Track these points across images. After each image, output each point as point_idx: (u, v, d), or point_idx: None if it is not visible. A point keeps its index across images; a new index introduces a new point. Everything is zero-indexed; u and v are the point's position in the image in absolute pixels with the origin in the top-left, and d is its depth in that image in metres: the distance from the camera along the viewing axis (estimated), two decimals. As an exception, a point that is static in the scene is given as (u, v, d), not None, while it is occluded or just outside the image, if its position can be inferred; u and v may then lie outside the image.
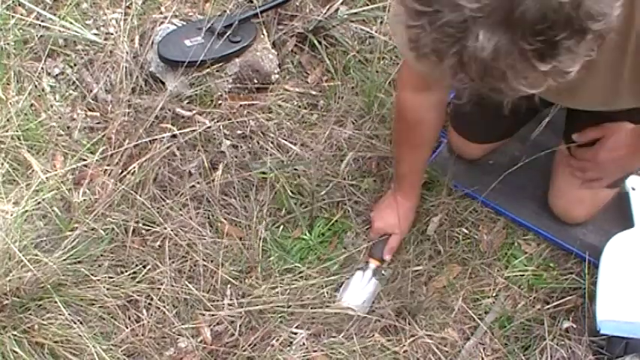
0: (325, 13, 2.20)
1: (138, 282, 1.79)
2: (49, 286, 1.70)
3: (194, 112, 2.06)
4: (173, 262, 1.83)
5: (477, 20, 0.85)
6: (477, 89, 0.94)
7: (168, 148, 1.97)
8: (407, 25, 0.92)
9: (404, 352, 1.76)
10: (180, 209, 1.91)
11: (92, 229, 1.83)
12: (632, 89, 1.20)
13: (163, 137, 1.98)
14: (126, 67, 2.07)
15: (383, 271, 1.87)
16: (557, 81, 0.93)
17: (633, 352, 1.73)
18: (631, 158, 1.65)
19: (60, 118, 2.05)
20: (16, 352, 1.64)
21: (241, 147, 2.03)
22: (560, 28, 0.86)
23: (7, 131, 1.95)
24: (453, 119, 1.98)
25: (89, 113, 2.08)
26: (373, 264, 1.86)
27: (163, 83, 2.11)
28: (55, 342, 1.67)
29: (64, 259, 1.76)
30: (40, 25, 2.16)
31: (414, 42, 0.92)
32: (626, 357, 1.73)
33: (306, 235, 1.91)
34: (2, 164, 1.91)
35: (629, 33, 1.10)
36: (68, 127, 2.04)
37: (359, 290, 1.82)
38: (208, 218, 1.93)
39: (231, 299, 1.79)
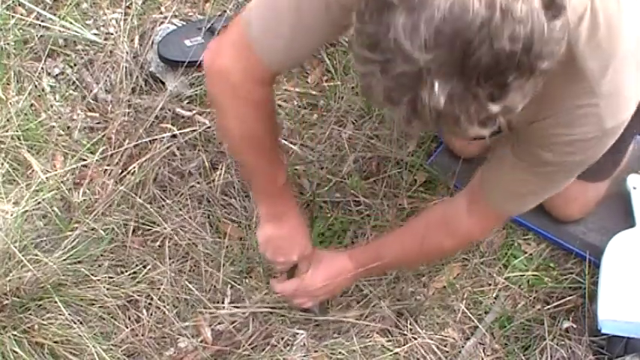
0: (325, 13, 2.20)
1: (138, 282, 1.79)
2: (49, 286, 1.70)
3: (194, 112, 2.06)
4: (173, 262, 1.83)
5: (431, 71, 0.85)
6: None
7: (168, 148, 1.97)
8: (357, 71, 0.93)
9: (404, 352, 1.76)
10: (180, 209, 1.91)
11: (92, 229, 1.83)
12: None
13: (163, 137, 1.98)
14: (126, 67, 2.07)
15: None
16: (505, 118, 0.93)
17: (633, 352, 1.73)
18: (340, 287, 1.72)
19: (60, 118, 2.05)
20: (16, 352, 1.64)
21: (241, 147, 2.02)
22: (512, 71, 0.87)
23: (7, 131, 1.95)
24: None
25: (89, 113, 2.08)
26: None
27: (163, 83, 2.11)
28: (55, 342, 1.67)
29: (64, 259, 1.76)
30: (40, 25, 2.16)
31: (366, 88, 0.93)
32: (627, 357, 1.73)
33: (306, 235, 1.91)
34: (2, 164, 1.91)
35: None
36: (68, 127, 2.04)
37: None
38: (208, 218, 1.93)
39: (231, 299, 1.79)
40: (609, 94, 1.15)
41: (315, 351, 1.73)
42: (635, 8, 1.15)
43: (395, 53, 0.86)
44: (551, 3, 0.87)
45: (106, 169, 1.94)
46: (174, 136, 2.00)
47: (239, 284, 1.82)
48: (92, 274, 1.76)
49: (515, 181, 1.36)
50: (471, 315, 1.81)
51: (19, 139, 1.95)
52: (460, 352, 1.77)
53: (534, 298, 1.85)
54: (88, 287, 1.76)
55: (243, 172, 1.77)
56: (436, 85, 0.86)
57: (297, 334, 1.76)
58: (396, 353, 1.76)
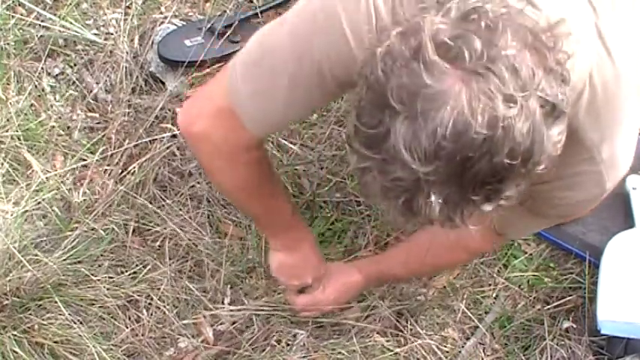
0: (325, 13, 2.20)
1: (138, 282, 1.79)
2: (49, 286, 1.70)
3: (194, 112, 2.06)
4: (173, 262, 1.83)
5: (428, 181, 0.86)
6: None
7: (168, 148, 1.96)
8: (354, 167, 0.93)
9: (404, 352, 1.76)
10: (180, 209, 1.91)
11: (92, 229, 1.83)
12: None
13: (163, 137, 1.98)
14: (126, 67, 2.07)
15: None
16: (500, 212, 0.95)
17: (633, 353, 1.73)
18: (347, 299, 1.75)
19: (60, 118, 2.05)
20: (16, 352, 1.64)
21: (241, 147, 2.02)
22: (509, 180, 0.88)
23: (7, 131, 1.95)
24: None
25: (89, 113, 2.08)
26: None
27: (163, 83, 2.11)
28: (55, 342, 1.67)
29: (64, 259, 1.76)
30: (40, 25, 2.16)
31: (363, 183, 0.93)
32: (627, 357, 1.73)
33: (306, 235, 1.91)
34: (2, 164, 1.91)
35: None
36: (68, 127, 2.04)
37: None
38: (208, 218, 1.92)
39: (232, 299, 1.79)
40: (609, 158, 1.17)
41: (315, 351, 1.73)
42: (631, 67, 1.14)
43: (394, 159, 0.86)
44: (552, 110, 0.87)
45: (106, 169, 1.94)
46: (174, 136, 2.00)
47: (239, 284, 1.82)
48: (92, 274, 1.76)
49: (516, 218, 1.35)
50: (471, 315, 1.81)
51: (19, 139, 1.95)
52: (460, 352, 1.77)
53: (534, 298, 1.85)
54: (88, 287, 1.76)
55: (251, 218, 1.77)
56: (433, 193, 0.87)
57: (298, 334, 1.76)
58: (396, 353, 1.76)
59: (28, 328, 1.68)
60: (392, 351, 1.76)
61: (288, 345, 1.74)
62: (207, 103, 1.30)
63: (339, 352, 1.73)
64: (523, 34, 0.86)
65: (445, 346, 1.78)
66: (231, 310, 1.77)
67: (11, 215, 1.82)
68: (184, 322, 1.76)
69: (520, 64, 0.84)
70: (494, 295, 1.86)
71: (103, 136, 2.00)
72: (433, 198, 0.87)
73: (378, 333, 1.79)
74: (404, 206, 0.90)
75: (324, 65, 1.14)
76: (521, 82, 0.83)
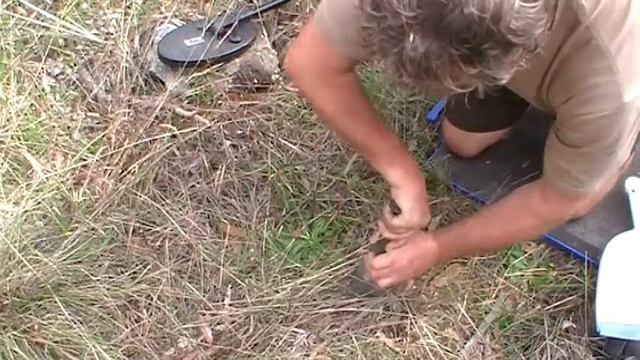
0: (325, 13, 2.20)
1: (138, 282, 1.79)
2: (49, 286, 1.70)
3: (194, 112, 2.06)
4: (173, 262, 1.83)
5: (412, 26, 0.99)
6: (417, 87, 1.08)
7: (168, 148, 1.97)
8: (362, 27, 1.07)
9: (405, 351, 1.76)
10: (180, 209, 1.91)
11: (92, 229, 1.83)
12: (545, 100, 1.40)
13: (163, 137, 1.98)
14: (126, 67, 2.07)
15: None
16: (487, 84, 1.06)
17: (632, 354, 1.73)
18: (424, 268, 1.76)
19: (60, 118, 2.05)
20: (16, 352, 1.64)
21: (241, 147, 2.03)
22: (483, 38, 0.99)
23: (7, 131, 1.95)
24: (447, 110, 1.98)
25: (89, 113, 2.08)
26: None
27: (163, 83, 2.11)
28: (55, 342, 1.67)
29: (64, 259, 1.76)
30: (40, 25, 2.16)
31: (367, 41, 1.07)
32: (626, 359, 1.74)
33: (306, 235, 1.92)
34: (2, 164, 1.91)
35: (556, 55, 1.27)
36: (68, 127, 2.04)
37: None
38: (208, 218, 1.93)
39: (231, 299, 1.79)
40: (625, 68, 1.23)
41: (315, 351, 1.73)
42: None
43: (387, 10, 1.01)
44: None
45: (106, 169, 1.94)
46: (174, 136, 2.00)
47: (239, 284, 1.82)
48: (92, 274, 1.76)
49: (565, 163, 1.44)
50: (471, 315, 1.81)
51: (19, 139, 1.95)
52: (460, 352, 1.77)
53: (534, 298, 1.85)
54: (88, 287, 1.76)
55: (359, 149, 1.74)
56: (416, 39, 1.00)
57: (298, 333, 1.76)
58: (397, 353, 1.76)
59: (28, 328, 1.68)
60: (393, 350, 1.76)
61: (288, 345, 1.74)
62: (303, 37, 1.52)
63: (340, 352, 1.73)
64: None
65: (445, 346, 1.78)
66: (231, 310, 1.77)
67: (11, 215, 1.82)
68: (184, 322, 1.76)
69: None
70: (494, 295, 1.86)
71: (103, 136, 2.00)
72: (417, 43, 1.00)
73: (379, 332, 1.79)
74: (396, 57, 1.04)
75: None
76: None
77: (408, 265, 1.70)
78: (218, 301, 1.79)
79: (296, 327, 1.76)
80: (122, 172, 1.94)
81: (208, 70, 2.09)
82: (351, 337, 1.76)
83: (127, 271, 1.82)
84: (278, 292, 1.79)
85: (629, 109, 1.28)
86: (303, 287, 1.80)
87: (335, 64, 1.46)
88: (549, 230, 1.78)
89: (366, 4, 1.05)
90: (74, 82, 2.12)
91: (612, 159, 1.42)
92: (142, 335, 1.73)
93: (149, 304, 1.78)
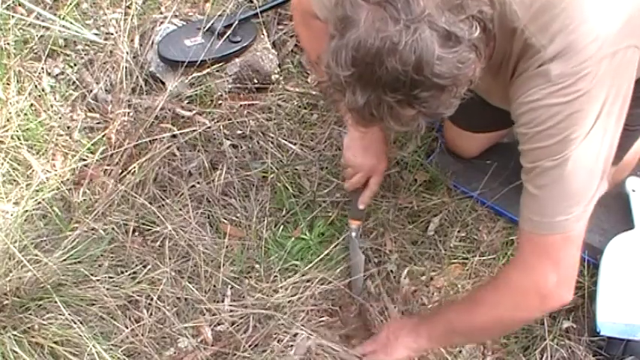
0: (325, 13, 2.20)
1: (138, 282, 1.79)
2: (49, 286, 1.70)
3: (194, 112, 2.06)
4: (173, 262, 1.83)
5: (350, 83, 1.15)
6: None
7: (168, 148, 1.97)
8: (318, 80, 1.24)
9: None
10: (180, 209, 1.91)
11: (92, 229, 1.83)
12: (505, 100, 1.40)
13: (163, 137, 1.98)
14: (126, 67, 2.07)
15: (353, 234, 1.82)
16: (430, 120, 1.20)
17: (632, 354, 1.73)
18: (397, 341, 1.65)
19: (60, 118, 2.05)
20: (16, 352, 1.64)
21: (241, 147, 2.03)
22: (413, 86, 1.12)
23: (7, 131, 1.95)
24: None
25: (89, 113, 2.08)
26: (354, 226, 1.84)
27: (163, 83, 2.11)
28: (55, 342, 1.67)
29: (64, 259, 1.76)
30: (40, 25, 2.16)
31: (323, 92, 1.26)
32: (626, 358, 1.74)
33: (306, 234, 1.91)
34: (2, 164, 1.91)
35: (509, 64, 1.33)
36: (68, 127, 2.04)
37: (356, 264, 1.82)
38: (208, 218, 1.93)
39: (231, 299, 1.79)
40: (556, 54, 1.25)
41: (316, 351, 1.73)
42: None
43: (329, 67, 1.17)
44: (448, 35, 1.11)
45: (106, 169, 1.94)
46: (174, 136, 2.00)
47: (239, 284, 1.82)
48: (92, 274, 1.76)
49: (525, 175, 1.35)
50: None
51: (19, 139, 1.95)
52: (460, 352, 1.77)
53: (534, 298, 1.85)
54: (88, 287, 1.76)
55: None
56: (357, 92, 1.15)
57: (297, 333, 1.76)
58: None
59: (28, 328, 1.68)
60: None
61: (288, 344, 1.74)
62: None
63: (339, 352, 1.73)
64: None
65: (445, 346, 1.78)
66: (231, 310, 1.77)
67: (11, 215, 1.82)
68: (184, 322, 1.76)
69: None
70: None
71: (103, 136, 2.00)
72: (358, 97, 1.15)
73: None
74: (344, 106, 1.19)
75: None
76: (411, 10, 1.10)
77: (391, 331, 1.65)
78: (218, 301, 1.79)
79: (296, 327, 1.76)
80: (122, 172, 1.94)
81: (208, 70, 2.09)
82: (352, 337, 1.76)
83: (127, 271, 1.81)
84: (278, 292, 1.79)
85: (560, 83, 1.25)
86: (303, 287, 1.80)
87: (311, 12, 1.56)
88: (534, 314, 1.53)
89: (320, 62, 1.21)
90: (74, 82, 2.12)
91: (566, 163, 1.28)
92: (142, 335, 1.73)
93: (149, 304, 1.78)
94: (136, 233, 1.88)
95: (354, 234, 1.84)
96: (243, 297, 1.80)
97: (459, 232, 1.94)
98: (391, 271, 1.88)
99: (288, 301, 1.78)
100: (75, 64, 2.15)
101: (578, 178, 1.30)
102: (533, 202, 1.34)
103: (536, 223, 1.35)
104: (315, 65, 1.73)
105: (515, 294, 1.43)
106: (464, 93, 1.18)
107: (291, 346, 1.74)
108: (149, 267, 1.82)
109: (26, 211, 1.83)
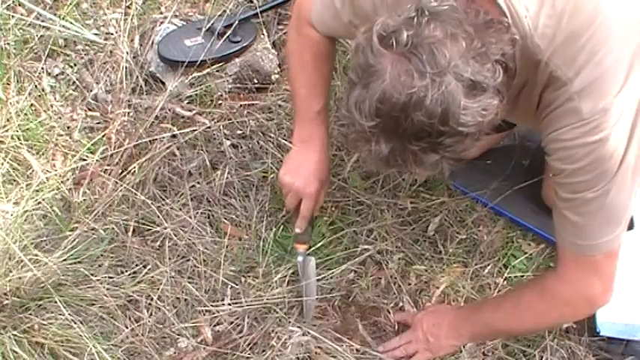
0: (325, 13, 2.20)
1: (138, 282, 1.79)
2: (49, 286, 1.70)
3: (194, 112, 2.06)
4: (173, 262, 1.83)
5: (374, 133, 1.17)
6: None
7: (168, 148, 1.97)
8: (340, 124, 1.27)
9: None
10: (180, 209, 1.91)
11: (92, 229, 1.83)
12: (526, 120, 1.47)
13: (163, 137, 1.98)
14: (126, 67, 2.07)
15: (299, 257, 1.75)
16: (453, 163, 1.21)
17: (632, 354, 1.73)
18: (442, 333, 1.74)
19: (60, 118, 2.05)
20: (16, 352, 1.64)
21: (241, 147, 2.03)
22: (437, 135, 1.14)
23: (7, 131, 1.95)
24: None
25: (89, 113, 2.08)
26: (301, 250, 1.75)
27: (163, 83, 2.11)
28: (55, 342, 1.67)
29: (64, 259, 1.76)
30: (40, 25, 2.16)
31: (344, 136, 1.28)
32: (626, 358, 1.74)
33: (306, 235, 1.91)
34: (2, 164, 1.91)
35: (533, 95, 1.35)
36: (68, 127, 2.04)
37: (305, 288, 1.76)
38: (208, 218, 1.93)
39: (231, 299, 1.79)
40: (583, 89, 1.27)
41: (315, 351, 1.73)
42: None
43: (351, 117, 1.18)
44: (473, 85, 1.12)
45: (106, 169, 1.94)
46: (174, 136, 2.00)
47: (238, 284, 1.82)
48: (92, 274, 1.76)
49: (562, 203, 1.40)
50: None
51: (19, 139, 1.95)
52: (461, 352, 1.77)
53: (534, 298, 1.85)
54: (88, 287, 1.76)
55: (292, 101, 1.84)
56: (380, 142, 1.17)
57: (297, 333, 1.76)
58: (396, 353, 1.76)
59: (28, 328, 1.68)
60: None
61: (287, 344, 1.74)
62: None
63: (340, 351, 1.73)
64: (447, 26, 1.13)
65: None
66: (231, 310, 1.77)
67: (11, 215, 1.82)
68: (184, 322, 1.76)
69: (438, 49, 1.11)
70: (494, 296, 1.86)
71: (103, 136, 2.00)
72: (382, 146, 1.17)
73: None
74: (366, 152, 1.21)
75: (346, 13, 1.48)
76: (436, 63, 1.11)
77: (424, 324, 1.74)
78: (218, 301, 1.79)
79: (295, 327, 1.76)
80: (122, 172, 1.94)
81: (208, 70, 2.09)
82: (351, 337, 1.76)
83: (127, 271, 1.82)
84: (277, 292, 1.79)
85: (592, 122, 1.27)
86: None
87: (309, 20, 1.59)
88: (582, 317, 1.66)
89: (341, 105, 1.23)
90: (74, 82, 2.12)
91: (608, 193, 1.33)
92: (142, 335, 1.73)
93: (149, 304, 1.78)
94: (136, 233, 1.88)
95: (300, 258, 1.75)
96: (243, 297, 1.79)
97: (458, 232, 1.94)
98: (393, 274, 1.88)
99: (288, 301, 1.78)
100: (75, 64, 2.15)
101: (620, 202, 1.37)
102: (576, 227, 1.41)
103: (581, 246, 1.42)
104: (289, 68, 1.72)
105: (563, 306, 1.53)
106: (483, 136, 1.20)
107: (289, 345, 1.74)
108: (149, 267, 1.82)
109: (26, 211, 1.83)
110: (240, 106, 2.10)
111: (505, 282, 1.87)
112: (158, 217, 1.86)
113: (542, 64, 1.27)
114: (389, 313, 1.82)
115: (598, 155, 1.29)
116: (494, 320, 1.66)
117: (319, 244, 1.89)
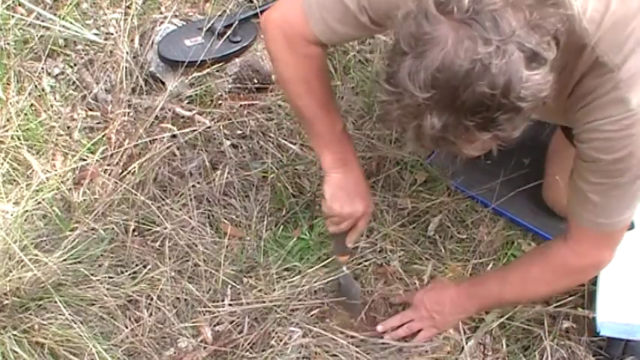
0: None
1: (138, 282, 1.79)
2: (49, 286, 1.70)
3: (194, 112, 2.06)
4: (173, 262, 1.83)
5: (428, 106, 1.09)
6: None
7: (168, 148, 1.97)
8: (379, 100, 1.16)
9: (404, 351, 1.76)
10: (180, 209, 1.91)
11: (92, 229, 1.83)
12: (566, 117, 1.41)
13: (163, 137, 1.98)
14: (126, 67, 2.07)
15: (345, 268, 1.78)
16: (502, 144, 1.15)
17: (632, 354, 1.73)
18: (456, 310, 1.76)
19: (60, 118, 2.05)
20: (16, 352, 1.64)
21: (241, 147, 2.03)
22: (495, 109, 1.08)
23: (7, 131, 1.95)
24: None
25: (89, 113, 2.08)
26: (344, 263, 1.77)
27: (163, 83, 2.11)
28: (55, 342, 1.67)
29: (64, 259, 1.76)
30: (40, 25, 2.16)
31: (384, 113, 1.16)
32: (626, 358, 1.73)
33: (306, 234, 1.92)
34: (2, 164, 1.91)
35: (569, 81, 1.31)
36: (68, 127, 2.04)
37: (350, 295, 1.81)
38: (208, 218, 1.93)
39: (231, 299, 1.79)
40: (629, 77, 1.25)
41: (315, 351, 1.73)
42: None
43: (403, 89, 1.09)
44: (533, 55, 1.07)
45: (106, 169, 1.94)
46: (174, 136, 2.00)
47: (239, 284, 1.82)
48: (92, 274, 1.76)
49: (586, 185, 1.41)
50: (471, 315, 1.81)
51: (19, 139, 1.95)
52: (461, 352, 1.77)
53: (534, 298, 1.85)
54: (88, 287, 1.76)
55: (304, 123, 1.70)
56: (433, 116, 1.09)
57: (297, 333, 1.76)
58: (397, 352, 1.76)
59: (28, 328, 1.68)
60: (392, 349, 1.76)
61: (287, 344, 1.74)
62: (285, 2, 1.52)
63: (339, 351, 1.73)
64: None
65: (446, 346, 1.78)
66: (231, 310, 1.77)
67: (11, 215, 1.82)
68: (184, 322, 1.76)
69: (500, 17, 1.05)
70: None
71: (103, 136, 2.00)
72: (434, 121, 1.09)
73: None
74: (414, 130, 1.13)
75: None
76: (500, 30, 1.05)
77: (427, 301, 1.76)
78: (218, 301, 1.79)
79: (295, 326, 1.76)
80: (122, 172, 1.94)
81: (208, 70, 2.09)
82: (348, 336, 1.76)
83: (127, 271, 1.82)
84: (277, 292, 1.79)
85: (635, 112, 1.26)
86: (303, 287, 1.80)
87: (306, 35, 1.47)
88: (568, 285, 1.70)
89: (381, 77, 1.14)
90: (74, 82, 2.12)
91: (636, 182, 1.36)
92: (142, 335, 1.73)
93: (149, 304, 1.78)
94: (136, 233, 1.88)
95: (345, 268, 1.77)
96: (243, 296, 1.79)
97: (459, 232, 1.94)
98: (395, 271, 1.88)
99: (288, 301, 1.78)
100: (75, 64, 2.15)
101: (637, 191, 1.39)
102: (599, 208, 1.42)
103: (602, 224, 1.45)
104: (294, 96, 1.59)
105: (574, 274, 1.59)
106: (531, 117, 1.15)
107: (290, 345, 1.74)
108: (149, 267, 1.82)
109: (26, 211, 1.83)
110: (240, 106, 2.10)
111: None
112: (158, 217, 1.87)
113: (588, 49, 1.24)
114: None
115: (638, 145, 1.29)
116: (501, 293, 1.68)
117: (319, 244, 1.89)
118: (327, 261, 1.85)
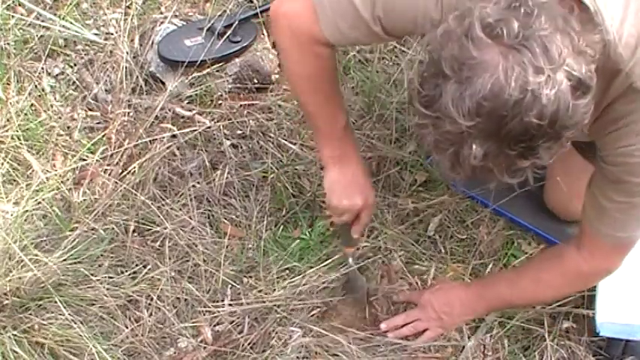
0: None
1: (138, 282, 1.79)
2: (49, 286, 1.70)
3: (194, 112, 2.06)
4: (173, 262, 1.83)
5: (470, 134, 1.05)
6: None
7: (168, 148, 1.97)
8: (414, 123, 1.13)
9: (404, 351, 1.76)
10: (181, 209, 1.91)
11: (92, 229, 1.83)
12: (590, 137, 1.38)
13: (163, 137, 1.98)
14: (126, 67, 2.07)
15: (350, 260, 1.80)
16: (536, 170, 1.12)
17: (632, 354, 1.73)
18: (464, 311, 1.78)
19: (60, 118, 2.05)
20: (16, 352, 1.64)
21: (241, 147, 2.03)
22: (539, 138, 1.06)
23: (7, 131, 1.95)
24: None
25: (89, 113, 2.08)
26: (350, 254, 1.80)
27: (163, 83, 2.11)
28: (55, 342, 1.67)
29: (64, 259, 1.76)
30: (40, 25, 2.16)
31: (420, 136, 1.13)
32: (626, 359, 1.73)
33: (306, 234, 1.92)
34: (2, 164, 1.91)
35: (601, 103, 1.28)
36: (68, 127, 2.04)
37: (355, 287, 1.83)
38: (208, 218, 1.93)
39: (231, 299, 1.79)
40: None
41: (315, 351, 1.74)
42: None
43: (444, 115, 1.05)
44: (579, 84, 1.04)
45: (106, 169, 1.94)
46: (174, 136, 2.00)
47: (238, 284, 1.82)
48: (92, 274, 1.76)
49: (607, 202, 1.42)
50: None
51: (19, 139, 1.95)
52: (461, 351, 1.77)
53: (534, 298, 1.85)
54: (88, 287, 1.76)
55: (307, 117, 1.71)
56: (475, 145, 1.05)
57: (297, 333, 1.76)
58: (400, 351, 1.76)
59: (28, 328, 1.68)
60: (392, 349, 1.76)
61: (287, 344, 1.74)
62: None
63: (339, 351, 1.73)
64: (556, 19, 1.05)
65: (446, 346, 1.78)
66: (231, 310, 1.77)
67: (11, 215, 1.82)
68: (184, 322, 1.76)
69: (550, 43, 1.02)
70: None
71: (103, 136, 2.00)
72: (475, 149, 1.05)
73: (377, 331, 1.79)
74: (452, 157, 1.09)
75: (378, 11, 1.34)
76: (550, 58, 1.02)
77: (434, 301, 1.77)
78: (218, 301, 1.79)
79: (295, 326, 1.76)
80: (122, 172, 1.94)
81: (208, 70, 2.09)
82: (348, 336, 1.76)
83: (127, 271, 1.81)
84: (277, 292, 1.79)
85: None
86: (303, 287, 1.80)
87: (314, 33, 1.44)
88: (579, 288, 1.74)
89: (416, 99, 1.09)
90: (74, 82, 2.12)
91: None
92: (142, 335, 1.73)
93: (149, 304, 1.78)
94: (136, 233, 1.88)
95: (350, 260, 1.79)
96: (243, 296, 1.79)
97: (459, 232, 1.94)
98: (397, 270, 1.88)
99: (288, 301, 1.78)
100: (75, 64, 2.15)
101: None
102: (619, 223, 1.44)
103: (620, 237, 1.47)
104: (297, 90, 1.59)
105: (584, 280, 1.63)
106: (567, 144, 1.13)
107: (291, 345, 1.74)
108: (149, 267, 1.82)
109: (26, 211, 1.83)
110: (240, 106, 2.10)
111: (505, 282, 1.86)
112: (158, 217, 1.86)
113: (622, 75, 1.23)
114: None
115: None
116: (512, 297, 1.71)
117: (319, 244, 1.89)
118: (328, 261, 1.85)
